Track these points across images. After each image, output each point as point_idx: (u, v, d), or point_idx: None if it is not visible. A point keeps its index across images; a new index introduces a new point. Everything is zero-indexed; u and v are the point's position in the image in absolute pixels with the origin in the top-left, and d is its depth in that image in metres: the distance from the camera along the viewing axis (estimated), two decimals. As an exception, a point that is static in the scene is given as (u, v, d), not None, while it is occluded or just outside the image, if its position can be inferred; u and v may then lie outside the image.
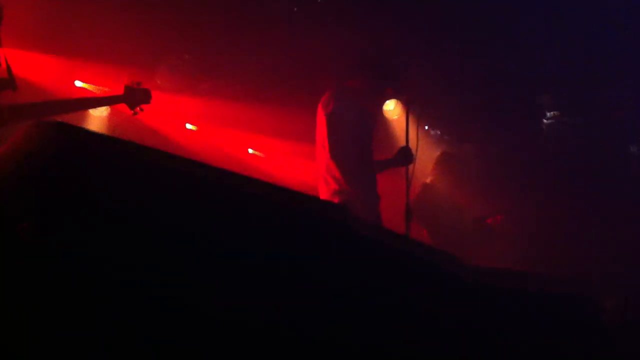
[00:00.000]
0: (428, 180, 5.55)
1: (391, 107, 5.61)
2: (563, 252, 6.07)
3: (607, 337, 2.08)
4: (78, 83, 6.31)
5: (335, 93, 4.05)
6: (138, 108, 4.06)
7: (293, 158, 8.18)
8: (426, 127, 7.42)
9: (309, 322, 1.47)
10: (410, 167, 4.01)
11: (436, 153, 5.97)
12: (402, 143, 4.13)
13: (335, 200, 3.86)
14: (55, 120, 1.42)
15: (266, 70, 6.29)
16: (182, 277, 1.38)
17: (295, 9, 5.52)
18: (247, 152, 8.35)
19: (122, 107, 4.14)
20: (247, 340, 1.39)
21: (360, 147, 4.02)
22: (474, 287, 1.76)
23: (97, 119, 6.12)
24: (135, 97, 4.02)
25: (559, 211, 6.32)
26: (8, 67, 3.20)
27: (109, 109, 4.08)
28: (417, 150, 4.07)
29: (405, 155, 4.08)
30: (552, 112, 6.79)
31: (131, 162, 1.42)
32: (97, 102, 4.05)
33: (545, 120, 6.91)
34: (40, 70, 5.87)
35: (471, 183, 5.90)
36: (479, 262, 4.80)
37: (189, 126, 7.65)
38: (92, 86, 6.25)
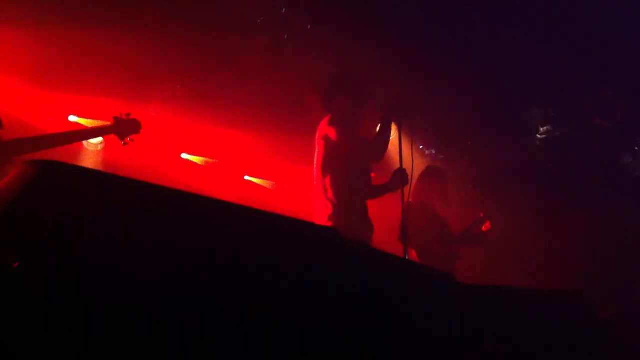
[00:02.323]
0: (411, 199, 5.41)
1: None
2: (555, 260, 6.08)
3: (604, 352, 2.08)
4: (72, 118, 6.34)
5: (331, 119, 4.08)
6: (128, 139, 4.06)
7: (289, 182, 8.21)
8: (420, 147, 7.45)
9: (298, 338, 1.48)
10: (407, 188, 4.02)
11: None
12: (397, 164, 4.13)
13: (330, 224, 3.88)
14: (48, 160, 1.43)
15: (257, 95, 6.33)
16: (177, 311, 1.39)
17: (286, 36, 5.57)
18: (243, 179, 8.37)
19: (116, 140, 4.14)
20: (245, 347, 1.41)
21: (352, 174, 4.03)
22: (468, 306, 1.77)
23: (92, 153, 6.14)
24: (124, 127, 4.03)
25: (551, 220, 6.34)
26: None
27: (104, 143, 4.07)
28: (412, 170, 4.06)
29: (401, 178, 4.07)
30: (544, 128, 6.84)
31: (120, 196, 1.43)
32: (86, 134, 4.05)
33: (538, 136, 6.95)
34: (33, 106, 5.90)
35: (459, 194, 5.87)
36: (470, 272, 4.81)
37: (184, 156, 7.67)
38: (87, 120, 6.27)
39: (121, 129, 4.02)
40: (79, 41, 5.22)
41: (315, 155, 4.15)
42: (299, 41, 5.61)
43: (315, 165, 4.13)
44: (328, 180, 4.01)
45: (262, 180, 8.46)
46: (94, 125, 4.41)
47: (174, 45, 5.48)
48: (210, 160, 7.91)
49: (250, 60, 5.80)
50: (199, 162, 7.84)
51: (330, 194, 3.99)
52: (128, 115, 4.07)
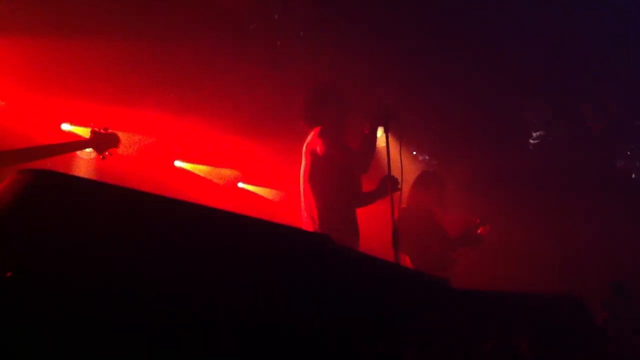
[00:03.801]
0: (405, 205, 5.42)
1: (378, 135, 5.59)
2: (551, 263, 6.09)
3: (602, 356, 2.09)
4: (65, 126, 6.31)
5: (320, 132, 4.06)
6: (107, 152, 4.06)
7: (281, 189, 8.21)
8: (414, 153, 7.47)
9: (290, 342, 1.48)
10: (397, 194, 4.00)
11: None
12: (384, 171, 4.11)
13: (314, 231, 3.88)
14: (40, 169, 1.43)
15: (249, 104, 6.34)
16: (171, 315, 1.38)
17: (279, 42, 5.58)
18: (237, 186, 8.36)
19: (111, 150, 4.13)
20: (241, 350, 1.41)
21: (340, 186, 4.02)
22: (464, 311, 1.77)
23: (85, 161, 6.12)
24: (102, 141, 4.03)
25: (546, 224, 6.35)
26: None
27: (96, 154, 4.05)
28: (402, 177, 4.04)
29: (389, 184, 4.04)
30: (537, 133, 6.87)
31: (114, 205, 1.43)
32: (63, 148, 4.02)
33: (531, 141, 6.97)
34: (23, 114, 5.88)
35: (454, 199, 5.86)
36: (467, 277, 4.81)
37: (177, 163, 7.66)
38: (80, 128, 6.25)
39: (99, 143, 4.02)
40: (72, 49, 5.22)
41: (302, 167, 4.14)
42: (292, 48, 5.62)
43: (302, 177, 4.14)
44: (314, 192, 4.01)
45: (256, 188, 8.46)
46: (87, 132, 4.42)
47: (166, 53, 5.49)
48: (203, 167, 7.90)
49: (243, 67, 5.81)
50: (192, 170, 7.83)
51: (316, 206, 3.99)
52: (106, 129, 4.07)
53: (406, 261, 5.13)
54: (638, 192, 6.43)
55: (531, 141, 7.05)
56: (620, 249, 5.85)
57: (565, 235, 6.22)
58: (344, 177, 4.05)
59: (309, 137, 4.13)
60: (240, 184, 8.34)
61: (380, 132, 5.13)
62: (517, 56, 5.61)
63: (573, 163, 6.57)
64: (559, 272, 5.96)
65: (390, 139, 3.90)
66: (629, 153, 6.60)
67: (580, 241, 6.12)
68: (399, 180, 4.01)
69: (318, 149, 3.99)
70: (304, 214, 4.09)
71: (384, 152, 3.97)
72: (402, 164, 3.96)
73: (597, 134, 6.29)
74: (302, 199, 4.11)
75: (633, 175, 6.62)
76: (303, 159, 4.14)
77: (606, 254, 5.93)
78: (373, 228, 4.29)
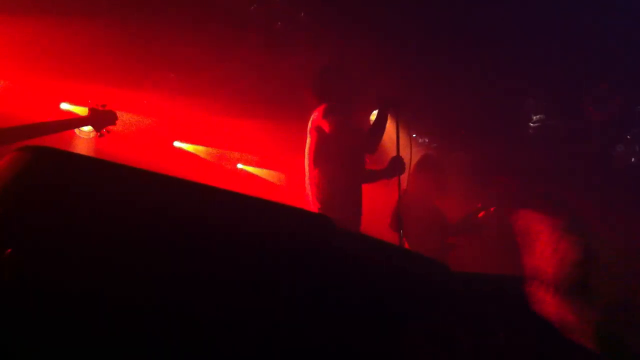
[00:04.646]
0: (407, 187, 5.37)
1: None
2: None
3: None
4: (64, 105, 6.29)
5: (325, 109, 4.02)
6: (104, 130, 4.05)
7: (280, 171, 8.20)
8: (414, 135, 7.45)
9: (294, 327, 1.47)
10: (403, 176, 3.99)
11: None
12: (392, 152, 4.11)
13: (318, 211, 3.86)
14: (40, 146, 1.41)
15: (250, 86, 6.31)
16: (170, 297, 1.37)
17: (279, 23, 5.53)
18: (236, 167, 8.35)
19: (109, 129, 4.11)
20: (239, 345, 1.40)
21: (345, 164, 4.00)
22: (465, 295, 1.76)
23: (84, 140, 6.11)
24: (100, 119, 4.01)
25: (545, 211, 6.33)
26: None
27: (95, 132, 4.02)
28: (410, 159, 4.04)
29: (397, 166, 4.05)
30: (537, 116, 6.84)
31: (116, 183, 1.41)
32: (60, 125, 4.00)
33: (531, 124, 6.95)
34: (23, 94, 5.86)
35: (454, 183, 5.83)
36: (465, 262, 4.80)
37: (177, 144, 7.65)
38: (79, 108, 6.23)
39: (97, 120, 4.01)
40: (72, 28, 5.18)
41: (307, 145, 4.09)
42: (293, 31, 5.58)
43: (307, 156, 4.09)
44: (320, 171, 3.97)
45: (255, 169, 8.44)
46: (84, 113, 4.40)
47: (167, 35, 5.45)
48: (202, 148, 7.89)
49: (244, 49, 5.77)
50: (191, 150, 7.82)
51: (321, 185, 3.95)
52: (104, 106, 4.05)
53: (404, 244, 5.11)
54: (637, 182, 6.41)
55: (531, 124, 7.02)
56: (620, 239, 5.84)
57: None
58: (350, 156, 4.02)
59: (314, 115, 4.08)
60: (239, 165, 8.33)
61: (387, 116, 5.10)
62: (520, 45, 5.58)
63: (572, 153, 6.55)
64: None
65: (399, 123, 3.90)
66: (625, 145, 6.58)
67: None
68: (406, 163, 4.01)
69: (324, 126, 3.95)
70: (308, 192, 4.06)
71: (391, 134, 3.96)
72: (411, 148, 3.96)
73: (597, 125, 6.27)
74: (307, 177, 4.07)
75: (633, 159, 6.61)
76: (308, 136, 4.09)
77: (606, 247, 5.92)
78: (374, 209, 4.27)
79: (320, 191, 3.95)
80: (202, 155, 7.91)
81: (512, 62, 5.83)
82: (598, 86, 6.07)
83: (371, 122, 4.18)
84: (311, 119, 4.09)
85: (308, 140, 4.08)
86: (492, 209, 5.40)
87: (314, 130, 4.02)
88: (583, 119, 6.40)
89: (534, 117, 6.92)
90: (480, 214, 5.46)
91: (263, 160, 8.29)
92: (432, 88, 6.30)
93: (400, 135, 4.01)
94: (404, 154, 4.06)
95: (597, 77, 5.96)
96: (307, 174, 4.07)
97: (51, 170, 1.34)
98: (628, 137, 6.62)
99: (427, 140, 7.73)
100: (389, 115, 4.10)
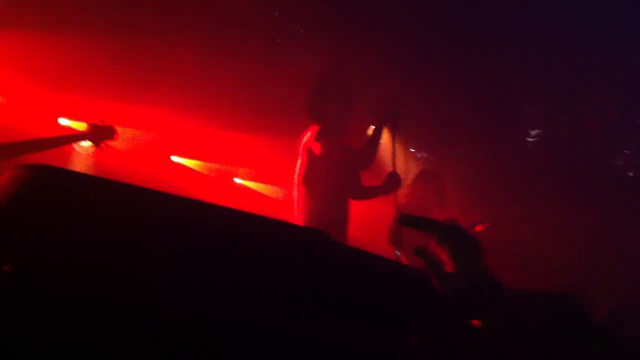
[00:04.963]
0: (404, 201, 5.37)
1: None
2: (552, 260, 6.09)
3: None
4: (62, 120, 6.30)
5: (318, 133, 4.04)
6: (103, 144, 4.09)
7: (278, 185, 8.20)
8: (412, 150, 7.46)
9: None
10: (399, 192, 4.01)
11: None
12: (389, 167, 4.13)
13: None
14: (39, 164, 1.41)
15: (248, 99, 6.33)
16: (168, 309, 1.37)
17: (278, 40, 5.56)
18: (233, 181, 8.35)
19: (107, 141, 4.14)
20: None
21: (333, 187, 4.01)
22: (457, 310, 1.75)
23: (83, 156, 6.11)
24: (100, 134, 4.06)
25: (547, 221, 6.34)
26: None
27: (94, 146, 4.06)
28: (406, 174, 4.06)
29: (394, 181, 4.07)
30: (536, 130, 6.86)
31: (113, 201, 1.41)
32: (61, 140, 4.04)
33: (529, 139, 6.97)
34: (20, 108, 5.87)
35: (453, 197, 5.83)
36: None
37: (174, 158, 7.65)
38: (77, 123, 6.24)
39: (97, 135, 4.05)
40: (70, 44, 5.20)
41: (298, 166, 4.13)
42: (292, 45, 5.60)
43: (296, 177, 4.12)
44: (307, 193, 4.00)
45: (252, 183, 8.45)
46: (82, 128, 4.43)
47: (164, 50, 5.47)
48: (200, 162, 7.90)
49: (243, 63, 5.79)
50: (189, 165, 7.82)
51: (306, 204, 3.98)
52: (103, 121, 4.09)
53: (401, 259, 5.11)
54: (637, 189, 6.42)
55: (529, 139, 7.04)
56: (620, 247, 5.85)
57: (565, 233, 6.21)
58: (339, 178, 4.03)
59: (307, 136, 4.10)
60: (236, 180, 8.33)
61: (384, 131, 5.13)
62: (517, 54, 5.60)
63: (572, 161, 6.56)
64: (559, 270, 5.96)
65: (395, 137, 3.92)
66: (627, 152, 6.59)
67: (580, 239, 6.12)
68: (402, 177, 4.03)
69: (315, 149, 3.98)
70: (296, 214, 4.07)
71: (385, 147, 3.98)
72: (407, 162, 3.98)
73: (596, 133, 6.28)
74: (295, 199, 4.10)
75: (631, 174, 6.62)
76: (299, 157, 4.12)
77: (606, 250, 5.93)
78: (371, 225, 4.29)
79: (304, 211, 3.97)
80: (199, 169, 7.91)
81: (513, 72, 5.85)
82: (594, 95, 6.08)
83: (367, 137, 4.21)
84: (304, 139, 4.12)
85: (298, 161, 4.11)
86: (486, 224, 5.39)
87: (305, 151, 4.05)
88: (581, 126, 6.42)
89: (532, 132, 6.95)
90: (478, 228, 5.45)
91: (261, 175, 8.29)
92: (430, 100, 6.32)
93: (398, 149, 4.04)
94: (401, 169, 4.07)
95: (596, 83, 5.97)
96: (295, 195, 4.10)
97: (52, 189, 1.35)
98: (627, 152, 6.64)
99: (425, 155, 7.74)
100: (385, 130, 4.12)
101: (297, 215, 4.05)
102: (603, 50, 5.51)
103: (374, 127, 4.12)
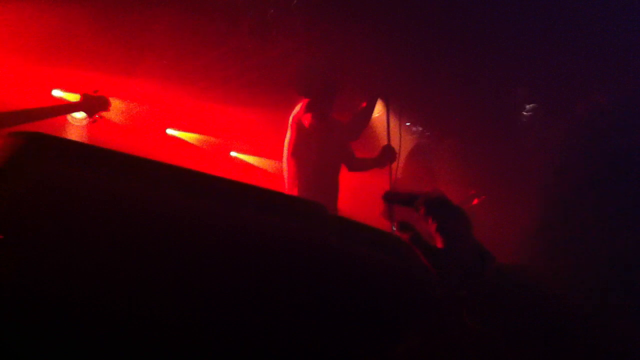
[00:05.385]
0: (399, 175, 5.38)
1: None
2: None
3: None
4: (56, 92, 6.26)
5: (307, 105, 4.05)
6: (97, 115, 4.05)
7: (274, 159, 8.19)
8: (407, 124, 7.45)
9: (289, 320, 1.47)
10: (394, 165, 4.02)
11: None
12: (384, 141, 4.13)
13: None
14: (32, 131, 1.40)
15: (243, 72, 6.30)
16: (164, 287, 1.37)
17: (272, 10, 5.50)
18: (229, 155, 8.34)
19: (101, 113, 4.11)
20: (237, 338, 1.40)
21: (322, 160, 4.02)
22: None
23: (76, 128, 6.08)
24: (93, 104, 4.02)
25: (536, 202, 6.35)
26: None
27: (87, 118, 4.03)
28: (400, 148, 4.07)
29: (388, 154, 4.08)
30: (530, 105, 6.85)
31: (109, 169, 1.41)
32: (53, 110, 4.00)
33: (524, 113, 6.96)
34: (14, 79, 5.83)
35: (446, 172, 5.84)
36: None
37: (169, 131, 7.62)
38: (71, 94, 6.20)
39: (90, 105, 4.01)
40: (64, 14, 5.15)
41: (287, 138, 4.14)
42: (285, 18, 5.56)
43: (285, 149, 4.13)
44: (297, 165, 4.02)
45: (249, 157, 8.44)
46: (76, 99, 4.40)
47: (160, 21, 5.42)
48: (195, 135, 7.87)
49: (236, 37, 5.75)
50: (184, 138, 7.80)
51: (297, 179, 4.00)
52: (96, 92, 4.05)
53: (396, 232, 5.10)
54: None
55: (524, 113, 7.03)
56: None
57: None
58: (328, 150, 4.05)
59: (296, 109, 4.12)
60: (232, 153, 8.32)
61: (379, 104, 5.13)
62: (521, 32, 5.56)
63: (566, 142, 6.54)
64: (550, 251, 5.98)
65: (389, 111, 3.92)
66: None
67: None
68: (396, 151, 4.03)
69: (305, 121, 3.99)
70: (286, 186, 4.09)
71: (379, 121, 3.98)
72: (400, 136, 3.98)
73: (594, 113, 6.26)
74: (285, 172, 4.12)
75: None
76: (288, 130, 4.13)
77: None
78: (365, 198, 4.30)
79: (294, 183, 3.99)
80: (195, 142, 7.89)
81: (508, 52, 5.82)
82: (592, 94, 6.05)
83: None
84: (293, 112, 4.13)
85: (288, 134, 4.12)
86: (483, 197, 5.43)
87: (294, 124, 4.07)
88: (579, 107, 6.39)
89: (527, 107, 6.93)
90: (474, 201, 5.48)
91: (256, 148, 8.28)
92: (424, 75, 6.29)
93: (392, 123, 4.03)
94: (396, 142, 4.08)
95: (594, 79, 5.95)
96: (284, 168, 4.11)
97: (44, 156, 1.34)
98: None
99: (420, 129, 7.73)
100: (381, 103, 4.12)
101: (287, 187, 4.07)
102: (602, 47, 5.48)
103: (365, 103, 4.12)
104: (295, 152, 4.05)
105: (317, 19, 5.54)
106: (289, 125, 4.13)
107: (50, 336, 1.24)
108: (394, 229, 3.84)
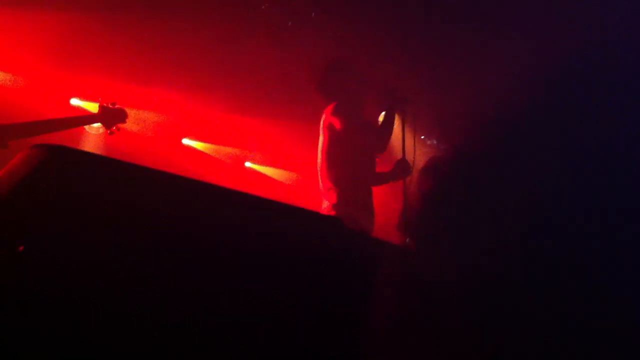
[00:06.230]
0: (415, 189, 5.32)
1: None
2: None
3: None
4: (74, 101, 6.32)
5: (336, 107, 4.04)
6: (114, 127, 4.08)
7: (289, 170, 8.20)
8: (422, 137, 7.42)
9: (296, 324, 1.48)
10: (408, 179, 4.00)
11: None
12: (399, 154, 4.12)
13: (333, 213, 3.87)
14: (54, 144, 1.43)
15: (258, 84, 6.31)
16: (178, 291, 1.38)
17: (290, 23, 5.53)
18: (244, 165, 8.36)
19: (118, 125, 4.14)
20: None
21: (357, 162, 4.02)
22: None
23: (93, 136, 6.14)
24: (110, 116, 4.05)
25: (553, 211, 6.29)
26: None
27: (104, 128, 4.07)
28: (414, 161, 4.05)
29: (403, 168, 4.06)
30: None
31: (129, 183, 1.43)
32: (71, 122, 4.05)
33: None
34: (35, 88, 5.90)
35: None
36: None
37: (185, 141, 7.66)
38: (89, 103, 6.26)
39: (107, 117, 4.04)
40: (84, 24, 5.21)
41: (320, 143, 4.12)
42: (304, 28, 5.58)
43: (319, 154, 4.11)
44: (333, 169, 3.99)
45: (263, 167, 8.45)
46: (94, 109, 4.45)
47: (178, 31, 5.47)
48: (211, 146, 7.90)
49: (255, 46, 5.78)
50: (199, 148, 7.83)
51: (334, 183, 3.97)
52: (114, 104, 4.08)
53: (412, 245, 5.10)
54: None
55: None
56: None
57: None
58: (361, 154, 4.04)
59: (325, 113, 4.11)
60: (247, 164, 8.33)
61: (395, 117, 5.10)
62: (524, 47, 5.54)
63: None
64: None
65: (404, 124, 3.91)
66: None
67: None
68: (411, 164, 4.02)
69: (335, 124, 3.97)
70: (321, 190, 4.07)
71: (397, 135, 3.97)
72: (415, 150, 3.97)
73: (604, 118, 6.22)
74: (320, 176, 4.09)
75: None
76: (321, 135, 4.12)
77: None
78: (381, 211, 4.28)
79: (332, 189, 3.96)
80: (210, 152, 7.92)
81: (523, 60, 5.78)
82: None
83: (379, 123, 4.20)
84: (322, 117, 4.12)
85: (321, 139, 4.11)
86: None
87: (325, 128, 4.05)
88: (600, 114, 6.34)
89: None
90: None
91: (271, 159, 8.28)
92: (439, 87, 6.28)
93: (407, 137, 4.03)
94: (410, 156, 4.07)
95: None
96: (319, 172, 4.09)
97: (66, 168, 1.36)
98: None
99: (435, 142, 7.70)
100: (396, 115, 4.11)
101: (322, 193, 4.04)
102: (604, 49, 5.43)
103: (384, 113, 4.11)
104: (330, 157, 4.03)
105: (336, 28, 5.56)
106: (321, 131, 4.11)
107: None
108: (407, 241, 3.85)
